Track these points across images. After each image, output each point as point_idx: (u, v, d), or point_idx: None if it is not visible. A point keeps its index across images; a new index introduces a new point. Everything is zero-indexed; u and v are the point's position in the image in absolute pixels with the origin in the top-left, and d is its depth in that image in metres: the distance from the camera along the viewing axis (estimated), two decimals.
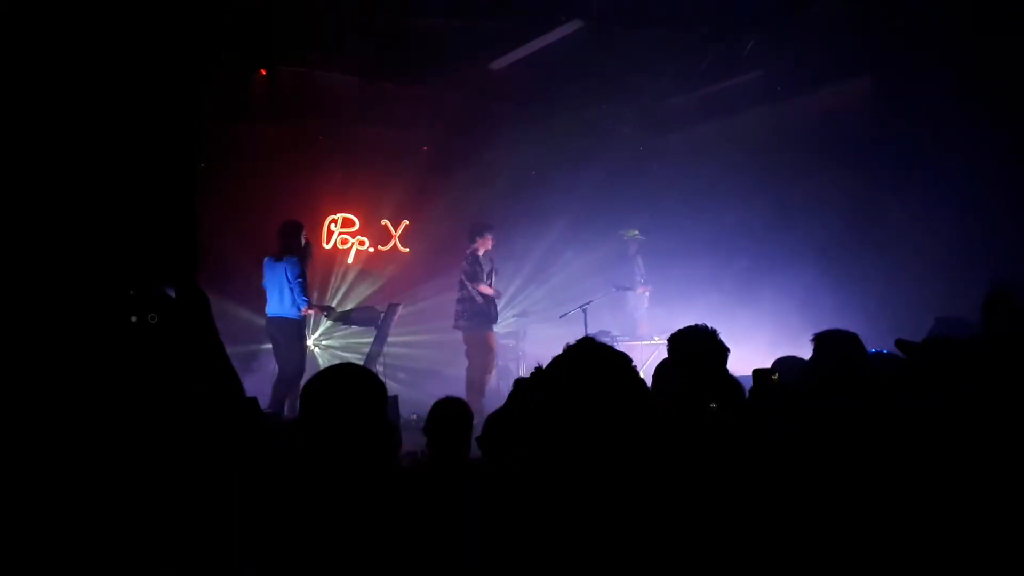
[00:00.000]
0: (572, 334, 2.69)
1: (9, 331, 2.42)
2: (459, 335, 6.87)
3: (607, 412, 1.81)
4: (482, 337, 6.73)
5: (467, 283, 6.72)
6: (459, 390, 5.91)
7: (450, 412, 2.96)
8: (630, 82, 7.73)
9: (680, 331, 2.80)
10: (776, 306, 6.50)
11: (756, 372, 2.74)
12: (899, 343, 2.34)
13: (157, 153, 6.68)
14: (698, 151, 8.09)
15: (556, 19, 6.70)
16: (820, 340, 2.92)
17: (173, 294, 2.11)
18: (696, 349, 2.67)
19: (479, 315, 6.70)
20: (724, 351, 2.73)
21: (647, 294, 8.07)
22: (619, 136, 8.47)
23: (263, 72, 7.57)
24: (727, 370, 2.69)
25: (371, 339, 7.32)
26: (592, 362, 1.90)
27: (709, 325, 2.78)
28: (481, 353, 6.72)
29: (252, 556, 1.71)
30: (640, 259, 8.12)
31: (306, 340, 6.78)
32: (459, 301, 6.80)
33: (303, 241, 6.37)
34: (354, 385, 1.92)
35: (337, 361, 7.80)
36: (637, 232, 8.13)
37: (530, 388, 2.50)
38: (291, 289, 6.16)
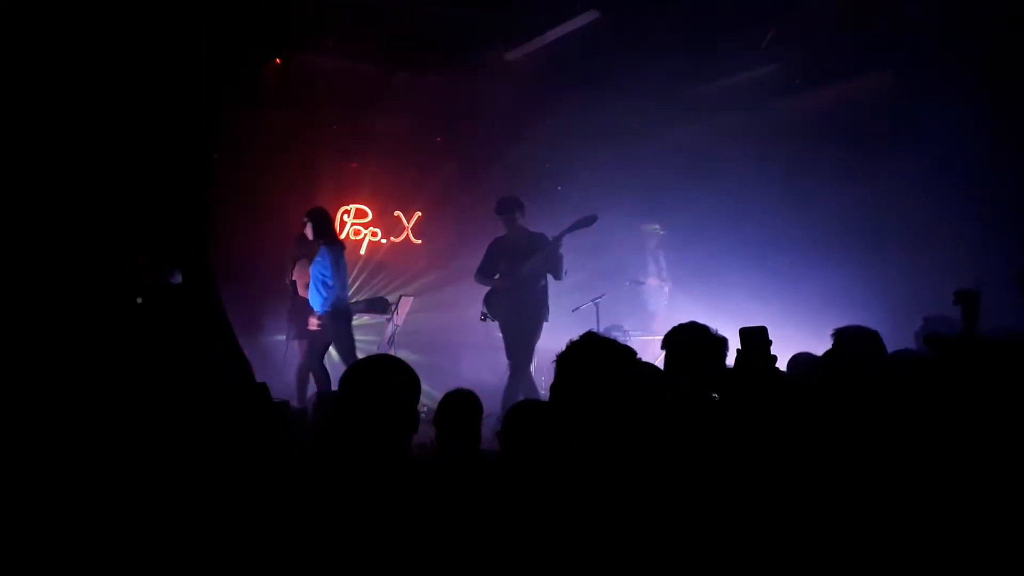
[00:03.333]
0: (584, 329, 2.67)
1: (17, 315, 2.41)
2: (475, 327, 6.82)
3: (608, 403, 1.81)
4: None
5: None
6: (469, 382, 5.85)
7: (460, 403, 2.95)
8: (647, 73, 7.65)
9: (672, 330, 2.84)
10: (796, 301, 6.44)
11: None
12: (928, 339, 2.28)
13: (170, 140, 6.69)
14: (716, 144, 8.01)
15: (573, 9, 6.64)
16: (840, 335, 2.88)
17: (180, 278, 2.10)
18: (688, 347, 2.69)
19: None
20: (716, 344, 2.73)
21: (666, 289, 8.00)
22: (636, 128, 8.39)
23: (278, 60, 7.55)
24: (724, 363, 2.70)
25: (382, 330, 7.32)
26: (593, 355, 1.89)
27: (700, 322, 2.81)
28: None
29: (260, 537, 1.71)
30: (662, 254, 8.06)
31: None
32: None
33: None
34: (392, 374, 2.01)
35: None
36: (658, 227, 8.05)
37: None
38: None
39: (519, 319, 6.35)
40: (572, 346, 1.92)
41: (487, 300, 6.53)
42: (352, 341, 6.27)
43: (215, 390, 1.94)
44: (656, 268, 8.05)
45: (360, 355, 7.52)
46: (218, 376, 2.00)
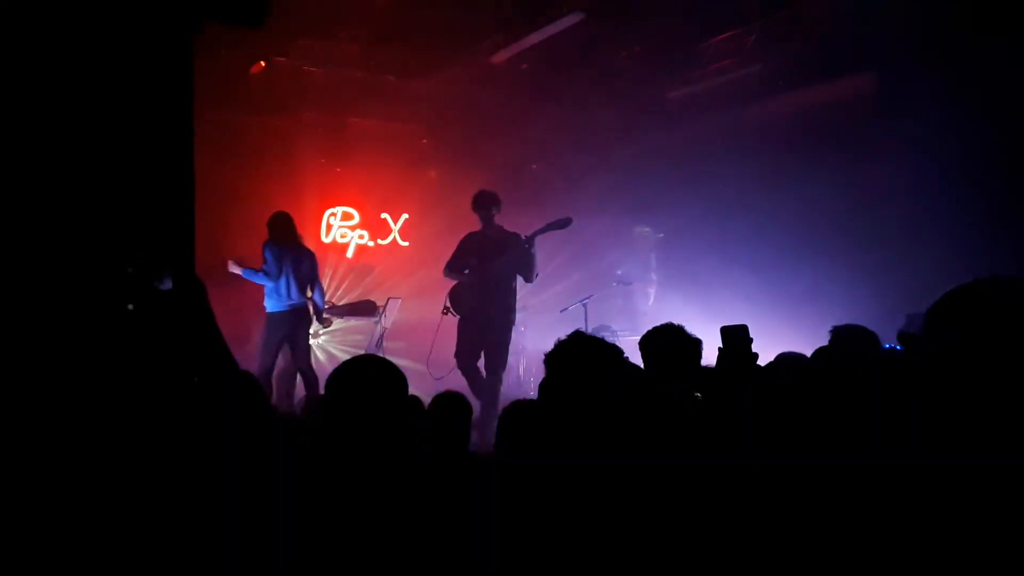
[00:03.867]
0: (573, 329, 2.70)
1: (5, 322, 2.40)
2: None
3: (593, 400, 1.82)
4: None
5: None
6: (458, 385, 5.84)
7: (450, 406, 2.96)
8: (631, 75, 7.70)
9: (648, 332, 2.87)
10: (785, 300, 6.48)
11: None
12: (901, 336, 2.31)
13: (153, 145, 6.66)
14: (701, 145, 8.06)
15: (557, 11, 6.67)
16: (836, 333, 2.92)
17: (170, 284, 2.10)
18: (663, 348, 2.73)
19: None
20: (693, 345, 2.76)
21: (651, 291, 8.05)
22: (621, 129, 8.43)
23: (262, 64, 7.53)
24: (699, 362, 2.74)
25: (370, 333, 7.31)
26: (580, 353, 1.91)
27: (676, 323, 2.85)
28: None
29: (254, 542, 1.71)
30: (653, 256, 8.11)
31: None
32: None
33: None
34: (377, 375, 2.02)
35: (334, 354, 7.84)
36: (648, 229, 8.09)
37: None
38: (319, 283, 6.48)
39: (483, 318, 6.10)
40: (560, 345, 1.95)
41: (452, 294, 6.36)
42: (269, 358, 6.15)
43: (213, 392, 1.95)
44: (643, 271, 8.10)
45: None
46: (216, 379, 2.00)
